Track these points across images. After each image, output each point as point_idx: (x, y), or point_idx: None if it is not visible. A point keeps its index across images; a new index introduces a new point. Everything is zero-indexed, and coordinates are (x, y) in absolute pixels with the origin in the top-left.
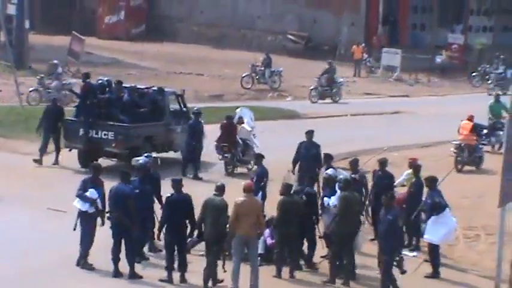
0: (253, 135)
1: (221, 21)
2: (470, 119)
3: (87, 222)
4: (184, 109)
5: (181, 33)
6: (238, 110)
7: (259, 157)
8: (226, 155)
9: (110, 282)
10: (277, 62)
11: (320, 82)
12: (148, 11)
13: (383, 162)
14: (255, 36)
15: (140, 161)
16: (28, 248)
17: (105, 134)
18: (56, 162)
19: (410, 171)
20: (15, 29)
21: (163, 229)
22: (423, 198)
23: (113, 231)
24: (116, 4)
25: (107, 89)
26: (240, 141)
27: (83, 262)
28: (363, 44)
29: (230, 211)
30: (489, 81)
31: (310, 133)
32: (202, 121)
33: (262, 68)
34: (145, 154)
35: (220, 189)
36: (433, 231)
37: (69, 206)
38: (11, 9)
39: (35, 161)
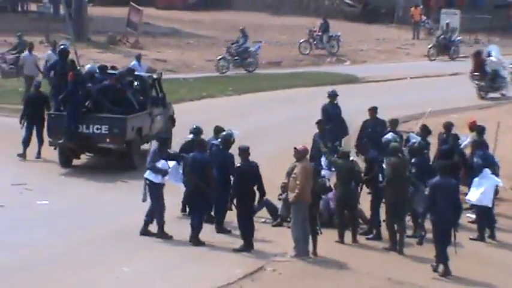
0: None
1: None
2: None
3: (159, 193)
4: (161, 94)
5: (237, 1)
6: (488, 48)
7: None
8: (477, 82)
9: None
10: (334, 26)
11: None
12: None
13: (448, 126)
14: (312, 1)
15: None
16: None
17: (97, 128)
18: (39, 156)
19: (474, 133)
20: (74, 2)
21: (232, 198)
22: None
23: (190, 199)
24: None
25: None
26: (489, 70)
27: (160, 231)
28: (421, 6)
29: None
30: None
31: (374, 110)
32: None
33: (320, 33)
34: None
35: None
36: (472, 192)
37: None
38: None
39: (19, 155)
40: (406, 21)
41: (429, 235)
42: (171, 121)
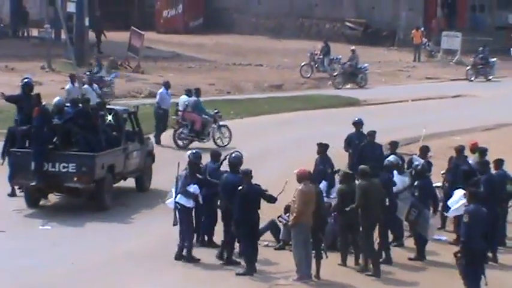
0: None
1: (278, 11)
2: None
3: (189, 218)
4: (137, 129)
5: (239, 25)
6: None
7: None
8: None
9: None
10: (336, 49)
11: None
12: (205, 3)
13: (460, 150)
14: (313, 25)
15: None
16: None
17: (64, 167)
18: (14, 194)
19: (476, 156)
20: (75, 27)
21: (236, 222)
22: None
23: (223, 219)
24: None
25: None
26: None
27: (189, 255)
28: (422, 28)
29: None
30: None
31: (372, 134)
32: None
33: (321, 56)
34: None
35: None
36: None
37: None
38: (71, 7)
39: (9, 195)
40: (407, 44)
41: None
42: (151, 157)
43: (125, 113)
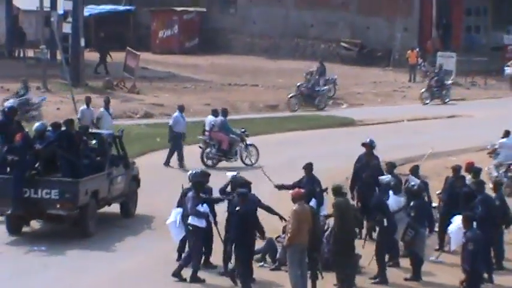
0: None
1: (274, 31)
2: None
3: (200, 238)
4: (122, 153)
5: (234, 45)
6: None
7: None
8: None
9: None
10: (331, 69)
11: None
12: (201, 24)
13: (457, 169)
14: (308, 45)
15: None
16: None
17: (47, 193)
18: None
19: (470, 176)
20: (71, 47)
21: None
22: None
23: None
24: (169, 19)
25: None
26: None
27: (194, 275)
28: (417, 49)
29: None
30: None
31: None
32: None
33: (317, 77)
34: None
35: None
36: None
37: None
38: (67, 28)
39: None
40: (402, 64)
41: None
42: (136, 181)
43: (110, 137)
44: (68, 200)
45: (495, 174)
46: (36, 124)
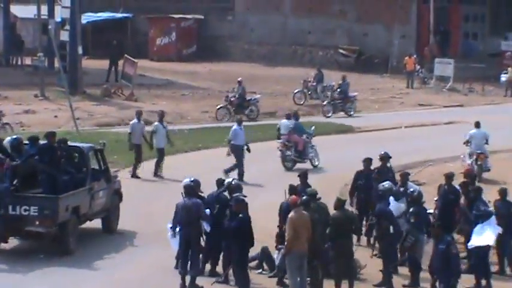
0: None
1: (271, 38)
2: None
3: (204, 242)
4: (104, 167)
5: (232, 52)
6: None
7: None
8: None
9: None
10: (329, 76)
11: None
12: (198, 31)
13: (450, 177)
14: (306, 52)
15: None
16: None
17: (25, 210)
18: None
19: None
20: (68, 55)
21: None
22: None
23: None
24: (167, 26)
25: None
26: None
27: (193, 283)
28: (415, 56)
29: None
30: None
31: (368, 161)
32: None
33: (314, 84)
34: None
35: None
36: (474, 238)
37: None
38: (64, 36)
39: None
40: (400, 71)
41: None
42: (118, 195)
43: (91, 150)
44: (47, 216)
45: (468, 162)
46: (7, 139)
